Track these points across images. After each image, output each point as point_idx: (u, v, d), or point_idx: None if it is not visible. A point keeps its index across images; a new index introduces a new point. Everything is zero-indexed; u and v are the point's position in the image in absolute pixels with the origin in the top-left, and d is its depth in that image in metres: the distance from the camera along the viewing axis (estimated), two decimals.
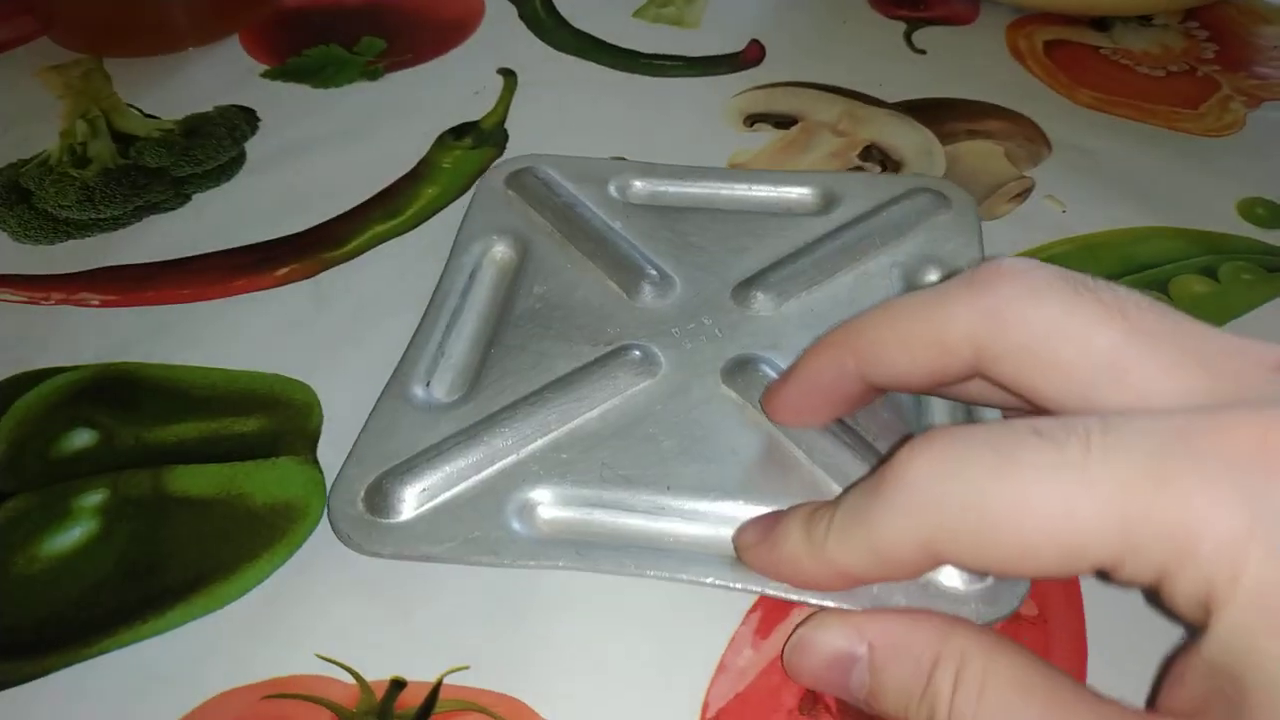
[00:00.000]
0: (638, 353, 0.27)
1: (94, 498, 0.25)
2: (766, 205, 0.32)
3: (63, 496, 0.25)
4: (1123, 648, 0.22)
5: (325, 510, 0.24)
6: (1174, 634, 0.22)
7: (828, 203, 0.32)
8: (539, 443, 0.25)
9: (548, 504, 0.24)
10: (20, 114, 0.37)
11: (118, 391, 0.27)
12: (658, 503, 0.23)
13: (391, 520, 0.23)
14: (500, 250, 0.30)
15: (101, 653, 0.22)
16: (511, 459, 0.24)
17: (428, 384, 0.26)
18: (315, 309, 0.30)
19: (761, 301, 0.28)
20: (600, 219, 0.31)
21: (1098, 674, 0.22)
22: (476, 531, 0.23)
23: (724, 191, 0.32)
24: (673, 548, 0.23)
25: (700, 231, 0.31)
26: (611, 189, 0.32)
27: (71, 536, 0.24)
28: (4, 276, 0.31)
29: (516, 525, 0.23)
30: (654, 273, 0.29)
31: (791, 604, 0.23)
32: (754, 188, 0.32)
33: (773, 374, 0.26)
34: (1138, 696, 0.21)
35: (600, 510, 0.24)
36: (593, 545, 0.23)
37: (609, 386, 0.26)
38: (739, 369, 0.26)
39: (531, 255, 0.30)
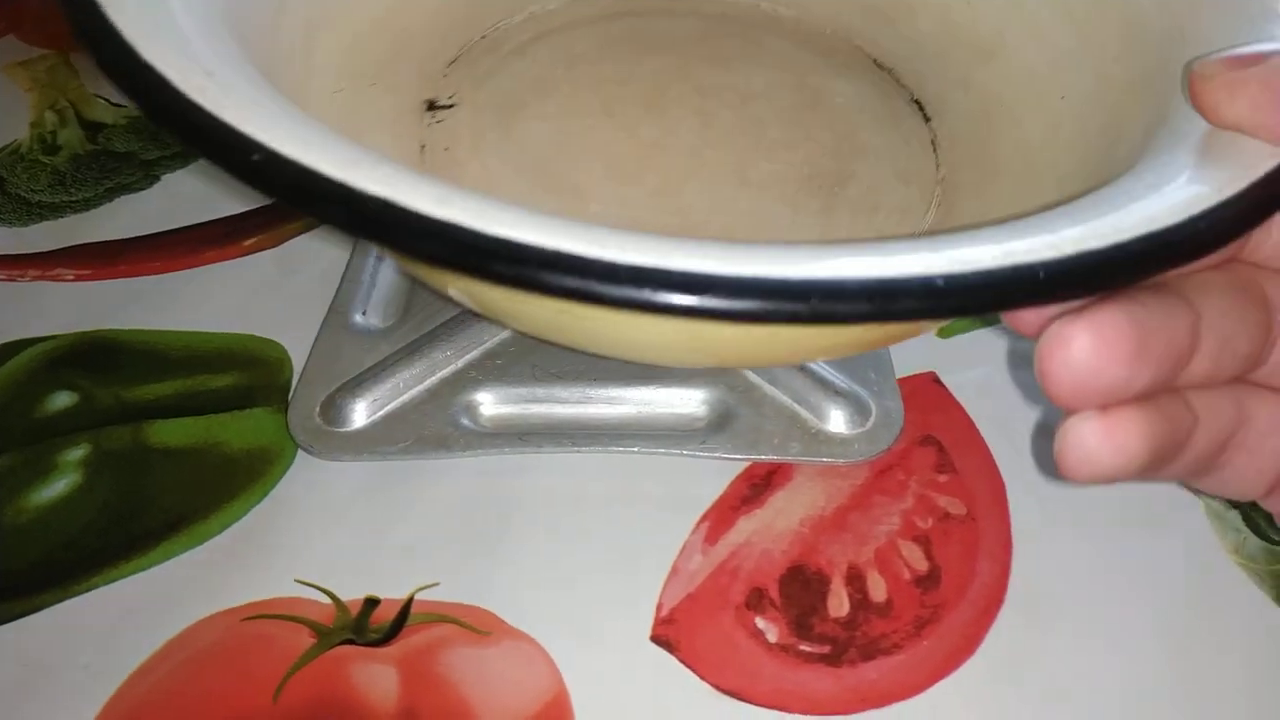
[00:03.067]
0: None
1: (76, 452, 0.26)
2: None
3: (46, 453, 0.26)
4: (1045, 544, 0.24)
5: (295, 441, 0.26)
6: (1092, 538, 0.24)
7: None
8: (474, 353, 0.27)
9: (489, 403, 0.26)
10: None
11: (96, 356, 0.28)
12: (585, 393, 0.26)
13: (347, 429, 0.26)
14: None
15: (89, 589, 0.23)
16: (451, 369, 0.27)
17: (364, 312, 0.29)
18: (281, 275, 0.31)
19: None
20: None
21: (1021, 567, 0.24)
22: (426, 430, 0.25)
23: None
24: (601, 428, 0.26)
25: None
26: None
27: (56, 489, 0.25)
28: None
29: (464, 421, 0.26)
30: None
31: (737, 512, 0.24)
32: None
33: None
34: (1059, 588, 0.23)
35: (535, 404, 0.26)
36: (533, 433, 0.26)
37: None
38: None
39: None
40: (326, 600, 0.23)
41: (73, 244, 0.32)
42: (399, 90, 0.26)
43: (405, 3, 0.27)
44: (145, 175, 0.35)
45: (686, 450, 0.25)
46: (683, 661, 0.22)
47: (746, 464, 0.25)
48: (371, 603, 0.23)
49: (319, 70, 0.24)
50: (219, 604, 0.23)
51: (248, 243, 0.32)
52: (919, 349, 0.28)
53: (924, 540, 0.24)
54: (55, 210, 0.33)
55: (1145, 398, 0.15)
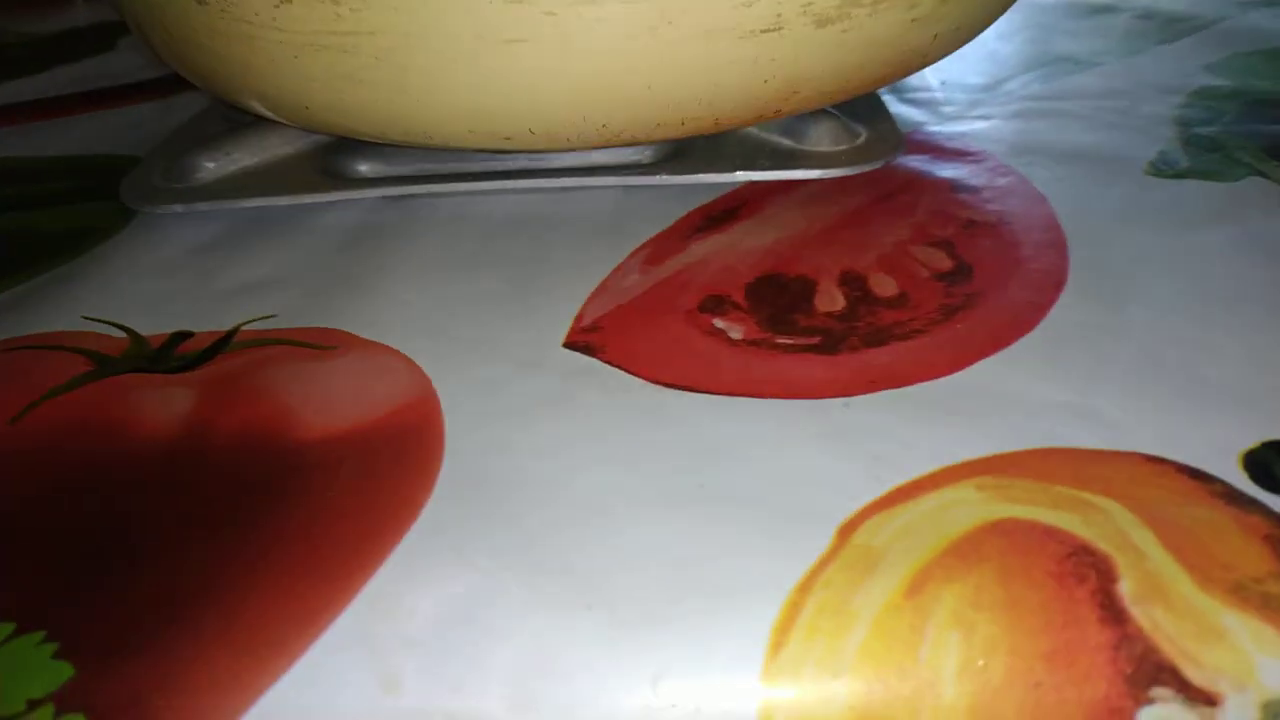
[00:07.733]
0: None
1: None
2: None
3: None
4: (1104, 248, 0.18)
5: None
6: (1161, 231, 0.18)
7: None
8: None
9: (375, 164, 0.21)
10: None
11: None
12: (489, 168, 0.20)
13: (191, 184, 0.20)
14: None
15: None
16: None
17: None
18: (163, 112, 0.27)
19: None
20: None
21: (1081, 256, 0.17)
22: (290, 180, 0.20)
23: None
24: (520, 172, 0.20)
25: None
26: None
27: None
28: None
29: (342, 173, 0.20)
30: None
31: (688, 240, 0.18)
32: None
33: None
34: (1129, 269, 0.16)
35: (434, 164, 0.21)
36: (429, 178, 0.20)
37: None
38: None
39: None
40: (120, 334, 0.17)
41: None
42: None
43: None
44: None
45: (627, 178, 0.19)
46: (608, 362, 0.15)
47: (701, 203, 0.19)
48: (181, 335, 0.17)
49: None
50: None
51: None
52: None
53: (945, 244, 0.18)
54: None
55: None
